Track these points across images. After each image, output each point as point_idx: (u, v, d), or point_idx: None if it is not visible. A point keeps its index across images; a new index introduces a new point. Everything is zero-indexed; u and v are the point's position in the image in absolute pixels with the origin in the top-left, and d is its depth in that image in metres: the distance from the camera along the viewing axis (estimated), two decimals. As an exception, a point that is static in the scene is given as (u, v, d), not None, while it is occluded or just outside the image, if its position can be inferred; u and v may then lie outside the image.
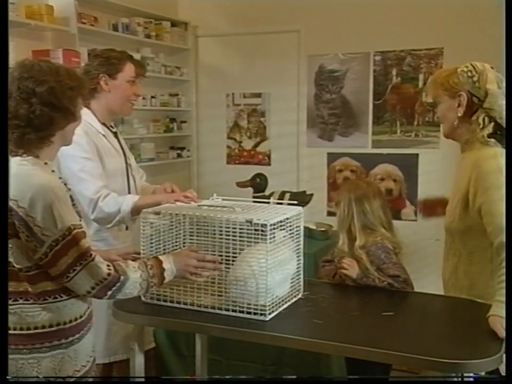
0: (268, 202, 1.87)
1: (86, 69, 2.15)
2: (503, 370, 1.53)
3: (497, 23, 3.09)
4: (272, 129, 3.96)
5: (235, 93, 4.02)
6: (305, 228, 1.89)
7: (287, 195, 2.96)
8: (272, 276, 1.66)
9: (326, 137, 3.78)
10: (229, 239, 1.67)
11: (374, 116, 3.63)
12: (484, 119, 1.72)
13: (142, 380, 1.90)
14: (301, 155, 3.84)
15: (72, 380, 1.42)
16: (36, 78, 1.35)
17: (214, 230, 1.71)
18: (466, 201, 1.74)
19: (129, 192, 2.17)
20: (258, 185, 3.06)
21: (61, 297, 1.39)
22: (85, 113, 2.02)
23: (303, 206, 2.82)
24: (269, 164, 3.98)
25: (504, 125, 1.70)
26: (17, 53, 2.43)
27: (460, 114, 1.75)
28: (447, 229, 1.87)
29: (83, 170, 1.99)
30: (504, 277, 1.56)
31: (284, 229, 1.73)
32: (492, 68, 1.77)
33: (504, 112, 1.70)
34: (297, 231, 1.81)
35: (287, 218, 1.75)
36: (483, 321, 1.66)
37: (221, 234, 1.68)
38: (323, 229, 3.04)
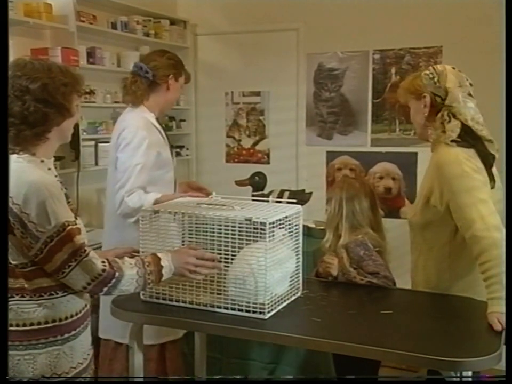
0: (267, 201, 1.87)
1: (157, 65, 2.31)
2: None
3: (495, 21, 3.09)
4: (271, 127, 3.95)
5: (234, 91, 4.01)
6: (304, 226, 1.89)
7: (286, 194, 2.95)
8: (271, 274, 1.66)
9: (325, 136, 3.78)
10: (228, 238, 1.67)
11: (373, 114, 3.63)
12: (448, 115, 1.79)
13: (141, 379, 1.90)
14: (300, 153, 3.84)
15: (70, 378, 1.43)
16: (28, 76, 1.37)
17: (213, 228, 1.71)
18: (428, 198, 1.83)
19: (175, 185, 2.36)
20: (257, 184, 3.05)
21: (57, 293, 1.40)
22: (143, 110, 2.29)
23: (302, 204, 2.82)
24: (268, 163, 3.97)
25: (469, 123, 1.78)
26: (15, 51, 2.42)
27: (425, 115, 1.85)
28: (409, 223, 1.98)
29: (134, 170, 2.15)
30: (490, 273, 1.63)
31: (283, 227, 1.73)
32: (453, 68, 1.87)
33: (466, 110, 1.79)
34: (296, 229, 1.81)
35: (286, 217, 1.75)
36: (481, 320, 1.66)
37: (220, 233, 1.68)
38: (322, 228, 3.03)
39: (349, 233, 2.07)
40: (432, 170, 1.83)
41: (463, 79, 1.85)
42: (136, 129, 2.20)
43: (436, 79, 1.83)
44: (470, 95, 1.84)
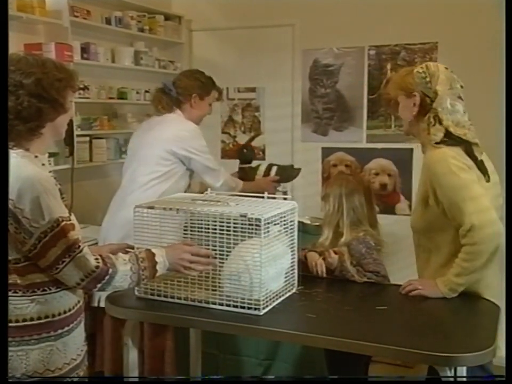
0: (262, 197, 1.87)
1: (181, 85, 2.59)
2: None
3: (491, 17, 3.09)
4: (266, 124, 3.94)
5: (229, 87, 3.99)
6: (299, 222, 1.88)
7: (274, 168, 2.88)
8: (266, 270, 1.66)
9: (320, 132, 3.77)
10: (223, 234, 1.67)
11: (369, 110, 3.62)
12: (433, 119, 1.79)
13: (136, 379, 1.90)
14: (295, 150, 3.82)
15: (65, 374, 1.42)
16: (22, 71, 1.37)
17: (208, 225, 1.70)
18: (425, 201, 1.83)
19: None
20: (244, 157, 2.98)
21: (50, 289, 1.40)
22: (180, 114, 2.59)
23: (289, 180, 2.79)
24: (264, 159, 3.94)
25: (451, 129, 1.78)
26: (8, 46, 2.40)
27: (414, 113, 1.84)
28: (412, 227, 1.96)
29: (209, 157, 2.56)
30: (462, 264, 1.74)
31: (278, 224, 1.73)
32: (446, 68, 1.84)
33: (451, 116, 1.77)
34: (291, 225, 1.81)
35: (281, 213, 1.74)
36: (476, 315, 1.67)
37: (215, 229, 1.68)
38: (317, 224, 3.02)
39: (350, 230, 2.05)
40: (424, 172, 1.84)
41: (454, 80, 1.82)
42: (196, 133, 2.55)
43: (427, 79, 1.81)
44: (459, 97, 1.81)
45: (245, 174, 2.87)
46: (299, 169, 2.97)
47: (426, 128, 1.80)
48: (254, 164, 3.02)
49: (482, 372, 1.71)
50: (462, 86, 1.83)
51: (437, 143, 1.78)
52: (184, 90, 2.58)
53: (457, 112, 1.79)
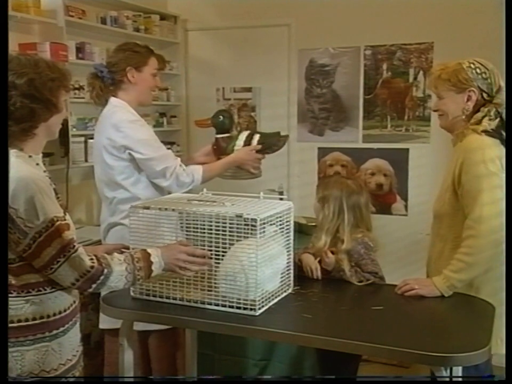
0: (258, 197, 1.86)
1: (112, 62, 2.27)
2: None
3: (487, 17, 3.10)
4: (262, 124, 3.93)
5: (225, 87, 3.99)
6: (295, 222, 1.88)
7: (256, 136, 2.47)
8: (262, 270, 1.66)
9: (316, 132, 3.77)
10: (218, 234, 1.66)
11: (365, 110, 3.63)
12: (494, 114, 1.78)
13: (131, 379, 1.89)
14: (291, 150, 3.82)
15: (61, 374, 1.42)
16: (15, 71, 1.37)
17: (204, 225, 1.70)
18: (455, 186, 1.82)
19: None
20: (221, 125, 2.47)
21: (45, 290, 1.39)
22: (124, 105, 2.25)
23: (276, 150, 2.53)
24: (260, 159, 3.96)
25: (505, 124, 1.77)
26: (4, 46, 2.39)
27: (467, 108, 1.81)
28: (436, 213, 1.94)
29: (158, 150, 2.23)
30: (462, 257, 1.75)
31: (274, 224, 1.73)
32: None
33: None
34: (287, 225, 1.80)
35: (277, 213, 1.74)
36: (471, 315, 1.67)
37: (211, 229, 1.68)
38: (313, 224, 3.01)
39: (350, 236, 2.02)
40: (459, 155, 1.81)
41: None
42: (134, 123, 2.21)
43: (485, 75, 1.80)
44: None
45: (222, 146, 2.47)
46: (286, 136, 2.58)
47: (479, 120, 1.79)
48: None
49: (476, 372, 1.71)
50: None
51: (482, 131, 1.78)
52: (117, 66, 2.24)
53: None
